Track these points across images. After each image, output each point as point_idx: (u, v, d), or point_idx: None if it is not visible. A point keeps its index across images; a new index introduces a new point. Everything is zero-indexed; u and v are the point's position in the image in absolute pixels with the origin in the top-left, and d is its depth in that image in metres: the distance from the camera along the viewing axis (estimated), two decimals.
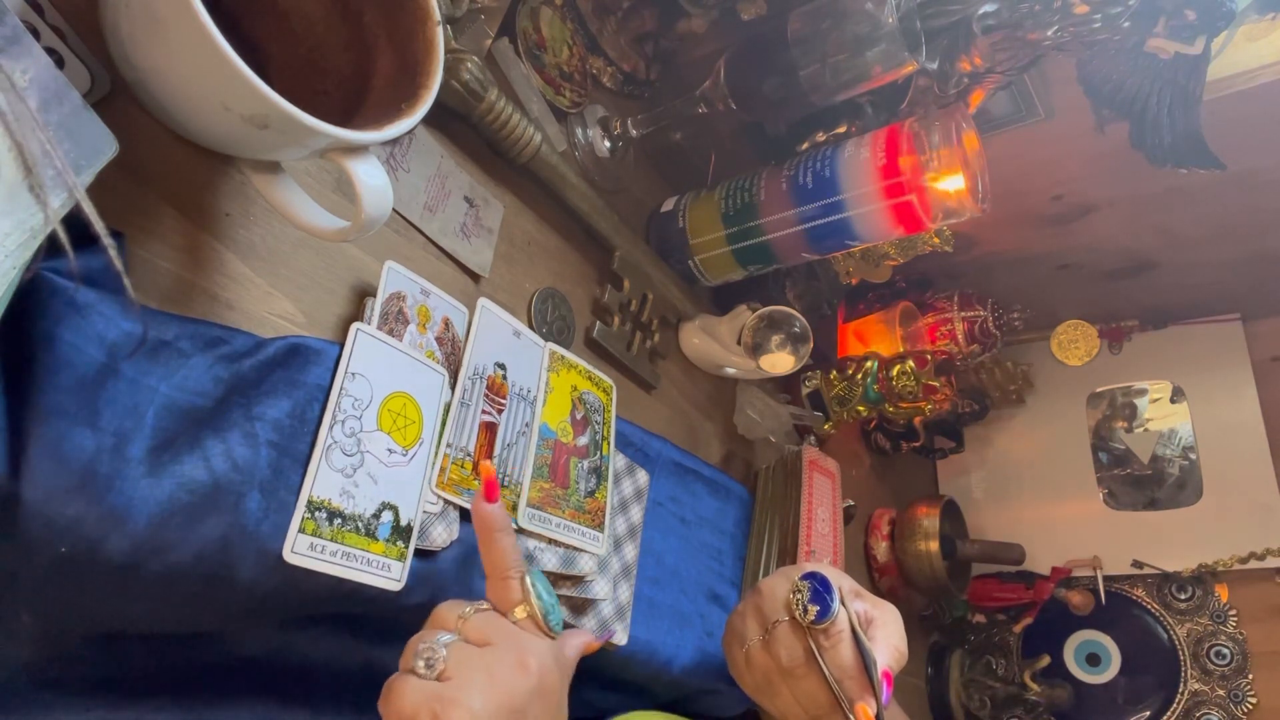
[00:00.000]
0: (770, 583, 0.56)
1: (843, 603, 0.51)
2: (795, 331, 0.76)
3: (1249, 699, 1.15)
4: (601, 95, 0.75)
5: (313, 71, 0.44)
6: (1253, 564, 1.16)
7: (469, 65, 0.55)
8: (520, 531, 0.54)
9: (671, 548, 0.72)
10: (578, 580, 0.58)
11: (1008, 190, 1.00)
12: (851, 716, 0.49)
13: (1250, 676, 1.16)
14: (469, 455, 0.52)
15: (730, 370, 0.82)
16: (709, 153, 0.85)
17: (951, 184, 0.68)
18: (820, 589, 0.51)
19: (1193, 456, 1.24)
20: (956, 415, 1.28)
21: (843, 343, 1.09)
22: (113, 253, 0.30)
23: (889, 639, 0.51)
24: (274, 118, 0.34)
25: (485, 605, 0.43)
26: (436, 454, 0.50)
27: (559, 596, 0.57)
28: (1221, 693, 1.16)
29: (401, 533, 0.46)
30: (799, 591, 0.52)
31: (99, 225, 0.29)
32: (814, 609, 0.51)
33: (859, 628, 0.51)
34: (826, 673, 0.50)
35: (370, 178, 0.39)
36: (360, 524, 0.44)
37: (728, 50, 0.70)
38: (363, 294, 0.49)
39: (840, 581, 0.54)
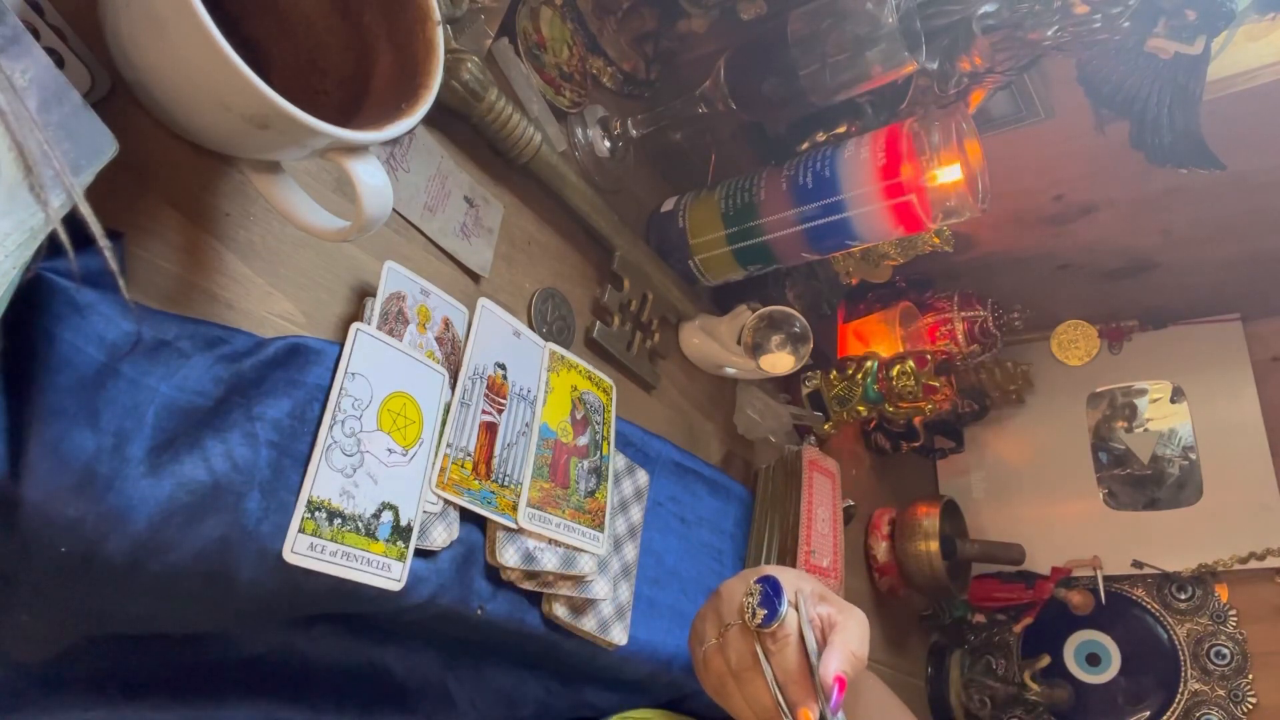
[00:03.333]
0: (729, 585, 0.56)
1: (794, 607, 0.51)
2: (795, 331, 0.76)
3: (1249, 699, 1.15)
4: (601, 95, 0.75)
5: (313, 71, 0.44)
6: (1253, 564, 1.16)
7: (469, 65, 0.55)
8: (520, 531, 0.54)
9: (671, 548, 0.72)
10: (578, 580, 0.58)
11: (1008, 190, 1.00)
12: None
13: (1250, 676, 1.16)
14: (469, 455, 0.52)
15: (730, 370, 0.82)
16: (709, 153, 0.85)
17: (951, 183, 0.68)
18: (770, 592, 0.51)
19: (1193, 456, 1.24)
20: (956, 415, 1.28)
21: (843, 343, 1.09)
22: (108, 254, 0.30)
23: (846, 643, 0.51)
24: (274, 118, 0.34)
25: None
26: (436, 454, 0.50)
27: (560, 597, 0.57)
28: (1221, 693, 1.16)
29: (401, 533, 0.46)
30: (751, 594, 0.52)
31: (95, 226, 0.29)
32: (762, 613, 0.51)
33: (811, 634, 0.50)
34: (769, 676, 0.50)
35: (370, 178, 0.39)
36: (360, 524, 0.44)
37: (728, 50, 0.70)
38: (363, 294, 0.49)
39: (801, 585, 0.54)
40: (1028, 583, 1.24)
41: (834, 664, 0.49)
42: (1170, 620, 1.21)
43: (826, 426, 0.96)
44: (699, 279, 0.80)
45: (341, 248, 0.49)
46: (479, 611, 0.53)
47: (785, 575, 0.53)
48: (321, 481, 0.43)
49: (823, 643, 0.50)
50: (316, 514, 0.42)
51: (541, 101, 0.66)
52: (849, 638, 0.51)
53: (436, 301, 0.52)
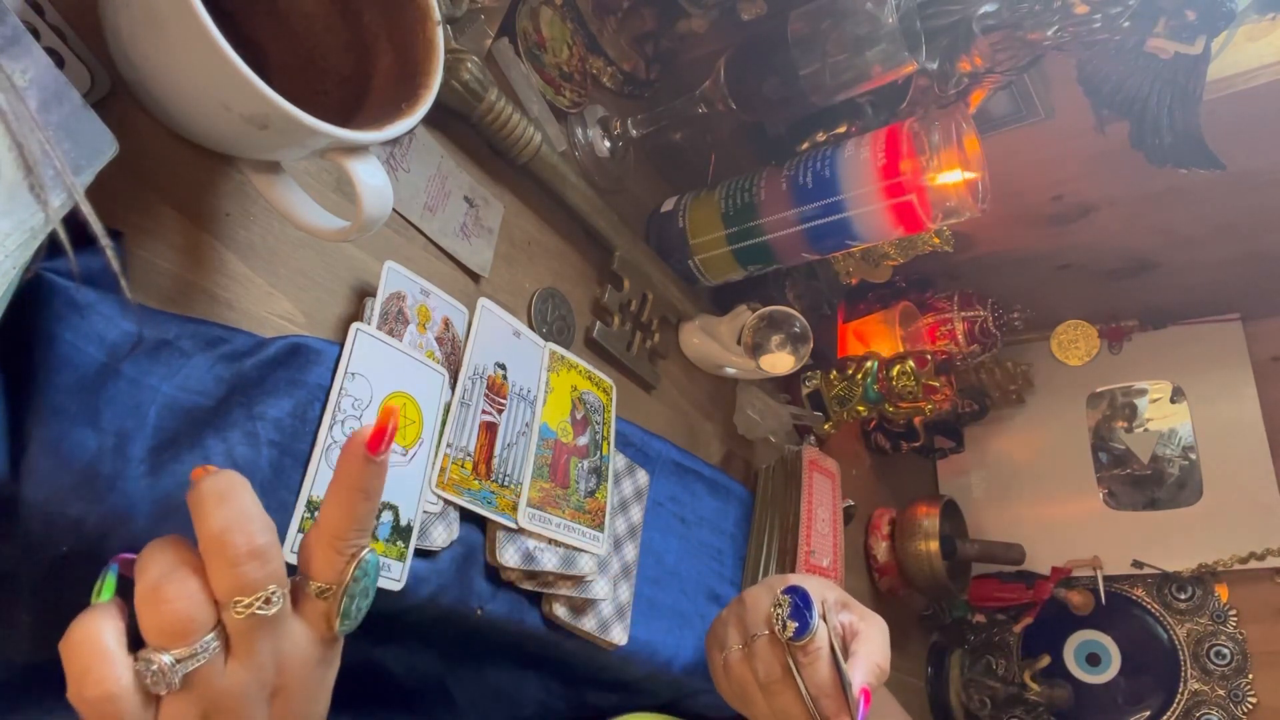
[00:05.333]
0: (754, 594, 0.56)
1: (823, 618, 0.51)
2: (795, 331, 0.76)
3: (1249, 699, 1.15)
4: (601, 95, 0.75)
5: (313, 71, 0.44)
6: (1253, 564, 1.16)
7: (469, 65, 0.55)
8: (520, 531, 0.54)
9: (671, 548, 0.72)
10: (578, 580, 0.58)
11: (1008, 190, 1.00)
12: None
13: (1250, 676, 1.16)
14: (469, 455, 0.52)
15: (730, 370, 0.82)
16: (709, 153, 0.85)
17: (951, 183, 0.68)
18: (800, 605, 0.51)
19: (1193, 456, 1.24)
20: (956, 415, 1.28)
21: (843, 343, 1.09)
22: (110, 254, 0.30)
23: (870, 655, 0.51)
24: (274, 118, 0.34)
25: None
26: (436, 454, 0.50)
27: (560, 597, 0.57)
28: (1221, 693, 1.16)
29: (401, 533, 0.46)
30: (779, 606, 0.52)
31: (97, 226, 0.29)
32: (793, 625, 0.51)
33: (837, 646, 0.50)
34: (803, 690, 0.50)
35: (370, 178, 0.39)
36: None
37: (728, 50, 0.70)
38: (363, 294, 0.49)
39: (825, 594, 0.53)
40: (1028, 583, 1.24)
41: (860, 676, 0.49)
42: (1170, 620, 1.21)
43: (826, 426, 0.96)
44: (699, 279, 0.80)
45: (341, 248, 0.49)
46: (479, 612, 0.53)
47: (810, 584, 0.53)
48: (322, 481, 0.43)
49: (844, 651, 0.50)
50: (316, 514, 0.42)
51: (541, 101, 0.66)
52: (873, 649, 0.51)
53: (436, 301, 0.53)
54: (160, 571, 0.31)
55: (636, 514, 0.67)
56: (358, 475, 0.34)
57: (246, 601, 0.32)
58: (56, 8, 0.36)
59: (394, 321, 0.49)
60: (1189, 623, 1.20)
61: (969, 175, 0.68)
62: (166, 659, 0.30)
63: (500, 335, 0.57)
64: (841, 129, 0.80)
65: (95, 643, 0.30)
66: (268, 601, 0.32)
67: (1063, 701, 1.20)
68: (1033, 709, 1.19)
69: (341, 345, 0.46)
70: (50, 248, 0.31)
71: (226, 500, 0.32)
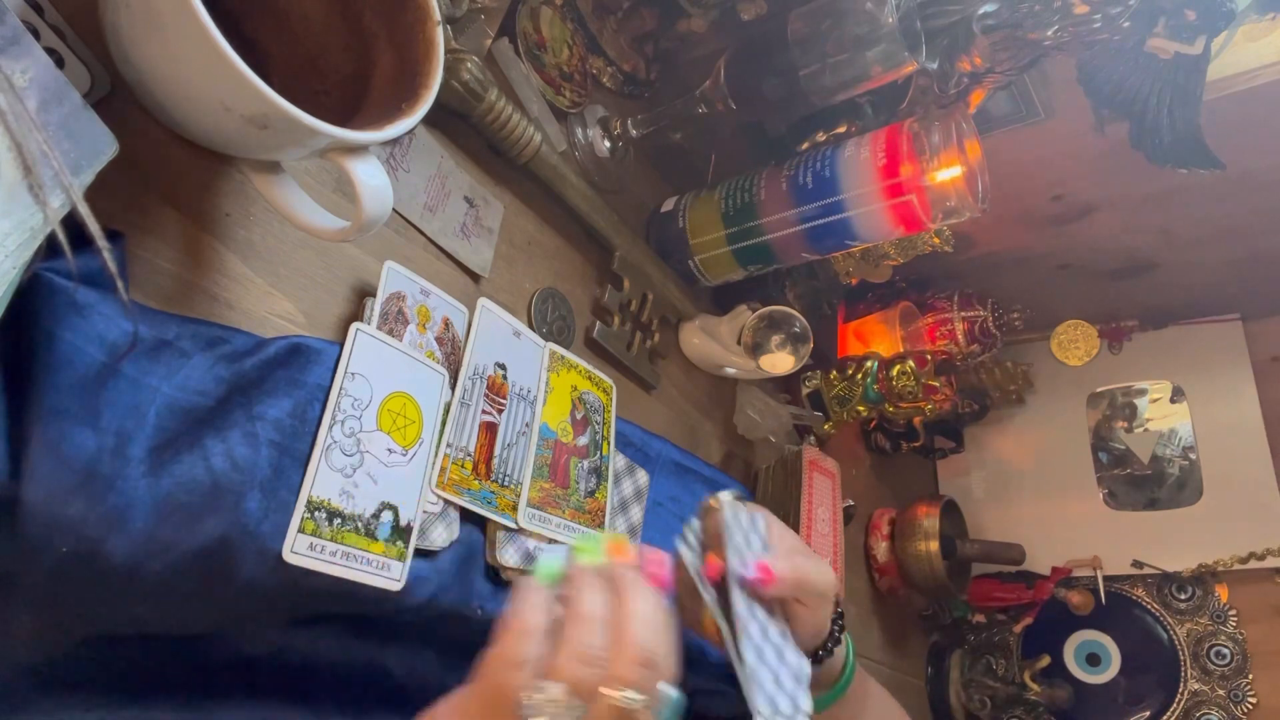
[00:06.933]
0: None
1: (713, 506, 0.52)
2: (795, 331, 0.76)
3: (1249, 699, 1.15)
4: (601, 95, 0.75)
5: (313, 71, 0.44)
6: (1253, 564, 1.16)
7: (469, 65, 0.55)
8: (520, 531, 0.54)
9: (671, 548, 0.71)
10: None
11: (1008, 190, 1.00)
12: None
13: (1250, 676, 1.16)
14: (469, 455, 0.52)
15: (730, 370, 0.82)
16: (709, 153, 0.85)
17: (950, 183, 0.68)
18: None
19: (1193, 456, 1.24)
20: (956, 415, 1.28)
21: (843, 343, 1.09)
22: (106, 255, 0.30)
23: (783, 538, 0.50)
24: (274, 118, 0.34)
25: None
26: (436, 454, 0.50)
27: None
28: (1221, 693, 1.16)
29: (401, 533, 0.46)
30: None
31: (94, 227, 0.29)
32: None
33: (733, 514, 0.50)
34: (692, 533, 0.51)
35: (370, 178, 0.39)
36: (360, 524, 0.44)
37: (728, 50, 0.70)
38: (363, 294, 0.49)
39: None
40: (1028, 583, 1.24)
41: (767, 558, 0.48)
42: (1170, 620, 1.21)
43: (826, 426, 0.96)
44: (699, 279, 0.80)
45: (341, 248, 0.49)
46: (479, 612, 0.53)
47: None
48: (321, 481, 0.43)
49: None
50: (316, 514, 0.42)
51: (541, 101, 0.66)
52: (785, 535, 0.51)
53: (436, 301, 0.53)
54: (597, 635, 0.33)
55: (636, 514, 0.67)
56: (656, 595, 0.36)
57: (629, 696, 0.33)
58: (56, 8, 0.36)
59: (394, 321, 0.49)
60: (1189, 623, 1.20)
61: (968, 175, 0.68)
62: (564, 701, 0.32)
63: (500, 335, 0.57)
64: (841, 129, 0.80)
65: (534, 623, 0.33)
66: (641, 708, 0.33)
67: (1063, 701, 1.20)
68: (1033, 709, 1.19)
69: (341, 345, 0.46)
70: (50, 248, 0.31)
71: (654, 599, 0.35)
